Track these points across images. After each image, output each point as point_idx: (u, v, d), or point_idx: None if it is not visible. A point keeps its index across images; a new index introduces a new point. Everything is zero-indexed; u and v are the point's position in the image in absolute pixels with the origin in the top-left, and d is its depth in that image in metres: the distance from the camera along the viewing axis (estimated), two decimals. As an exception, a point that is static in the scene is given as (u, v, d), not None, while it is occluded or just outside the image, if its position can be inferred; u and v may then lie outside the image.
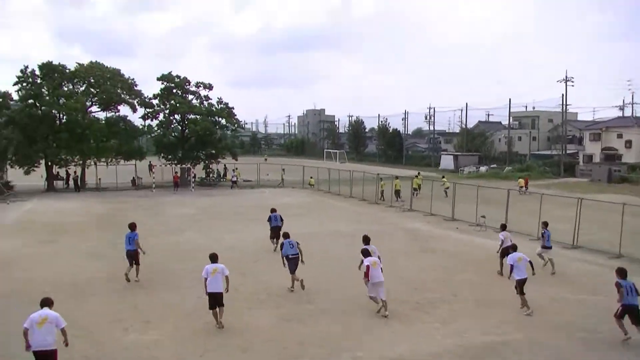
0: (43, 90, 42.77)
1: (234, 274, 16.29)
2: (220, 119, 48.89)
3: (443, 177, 42.24)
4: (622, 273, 11.58)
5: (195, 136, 46.93)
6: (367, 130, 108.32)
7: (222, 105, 49.08)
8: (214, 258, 12.60)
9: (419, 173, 44.57)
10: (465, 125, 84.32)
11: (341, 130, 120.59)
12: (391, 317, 12.73)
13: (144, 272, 16.16)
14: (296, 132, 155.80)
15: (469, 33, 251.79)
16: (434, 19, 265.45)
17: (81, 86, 45.35)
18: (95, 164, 45.14)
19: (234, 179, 47.89)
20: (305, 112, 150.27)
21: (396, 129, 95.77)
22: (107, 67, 46.46)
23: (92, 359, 10.49)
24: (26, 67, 42.71)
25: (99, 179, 44.25)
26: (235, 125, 50.92)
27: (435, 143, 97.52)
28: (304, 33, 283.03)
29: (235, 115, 49.76)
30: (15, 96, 42.69)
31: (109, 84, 44.76)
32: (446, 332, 11.87)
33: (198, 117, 47.08)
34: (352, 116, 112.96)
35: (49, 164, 43.30)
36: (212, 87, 49.19)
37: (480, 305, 13.68)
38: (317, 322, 12.51)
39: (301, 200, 36.93)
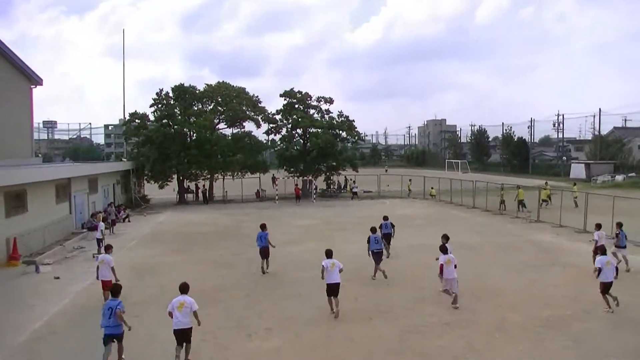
0: (175, 110, 46.08)
1: (354, 284, 16.33)
2: (340, 131, 49.42)
3: (574, 184, 39.54)
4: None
5: (317, 149, 47.79)
6: (490, 139, 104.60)
7: (342, 119, 49.66)
8: (329, 254, 13.95)
9: (546, 183, 42.16)
10: (599, 131, 78.71)
11: (463, 139, 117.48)
12: (520, 333, 12.00)
13: (267, 281, 16.70)
14: (417, 142, 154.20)
15: (598, 33, 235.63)
16: (558, 23, 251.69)
17: (209, 105, 48.03)
18: (222, 177, 47.42)
19: (355, 189, 48.14)
20: (425, 123, 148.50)
21: (521, 137, 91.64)
22: (233, 86, 49.01)
23: (218, 363, 10.85)
24: (161, 90, 46.48)
25: (226, 191, 46.54)
26: (356, 137, 51.22)
27: (565, 151, 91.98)
28: (424, 43, 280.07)
29: (356, 127, 50.13)
30: (151, 117, 46.43)
31: (234, 102, 47.11)
32: (580, 353, 10.95)
33: (319, 130, 47.88)
34: (474, 125, 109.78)
35: (181, 178, 46.35)
36: (333, 101, 50.07)
37: (616, 327, 12.48)
38: (439, 335, 12.08)
39: (422, 211, 36.26)
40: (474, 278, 17.13)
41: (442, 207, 38.76)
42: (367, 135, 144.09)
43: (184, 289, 10.88)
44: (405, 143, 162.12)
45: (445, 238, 15.85)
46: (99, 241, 22.15)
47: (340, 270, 13.62)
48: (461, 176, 63.37)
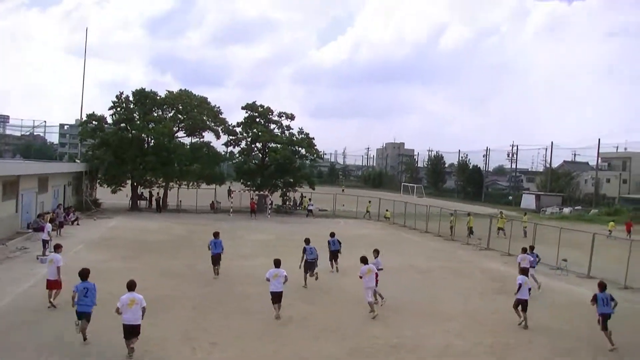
0: (135, 115, 45.37)
1: (304, 302, 16.33)
2: (300, 148, 49.54)
3: (525, 214, 40.62)
4: (601, 286, 13.70)
5: (275, 164, 47.76)
6: (446, 165, 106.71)
7: (302, 135, 49.85)
8: (277, 263, 15.25)
9: (501, 212, 43.22)
10: (550, 164, 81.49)
11: (420, 164, 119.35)
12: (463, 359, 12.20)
13: (217, 295, 16.59)
14: (374, 164, 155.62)
15: (554, 70, 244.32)
16: (518, 55, 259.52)
17: (170, 112, 47.45)
18: (177, 186, 46.91)
19: (311, 207, 48.19)
20: (384, 145, 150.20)
21: (477, 166, 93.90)
22: (195, 95, 48.54)
23: (160, 376, 10.65)
24: (121, 93, 45.80)
25: (180, 200, 46.02)
26: (315, 155, 51.36)
27: (517, 181, 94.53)
28: (389, 65, 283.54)
29: (315, 145, 50.35)
30: (109, 120, 45.60)
31: (195, 111, 46.72)
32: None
33: (279, 146, 47.90)
34: (431, 151, 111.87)
35: (135, 184, 45.62)
36: (294, 117, 50.27)
37: (557, 354, 12.84)
38: (385, 358, 12.15)
39: (377, 233, 36.60)
40: (424, 301, 17.39)
41: (396, 230, 39.19)
42: (326, 154, 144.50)
43: (131, 286, 11.52)
44: (364, 164, 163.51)
45: (377, 252, 18.06)
46: (45, 242, 21.66)
47: (285, 280, 14.79)
48: (416, 200, 64.26)
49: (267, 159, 48.58)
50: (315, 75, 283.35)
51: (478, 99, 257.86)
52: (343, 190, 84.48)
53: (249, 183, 49.09)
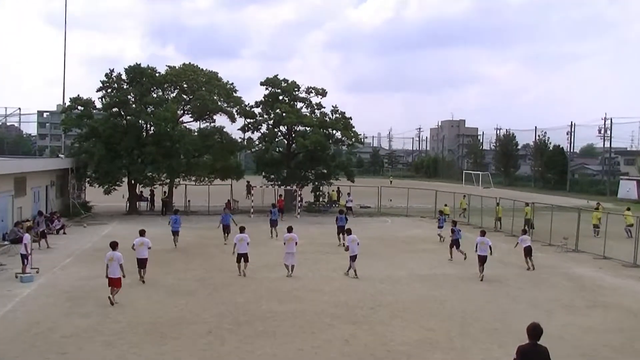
0: (129, 97, 45.69)
1: (344, 321, 16.30)
2: (334, 131, 49.52)
3: (628, 209, 39.61)
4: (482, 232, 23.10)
5: (304, 152, 47.71)
6: (519, 147, 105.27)
7: (337, 115, 49.81)
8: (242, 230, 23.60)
9: (598, 204, 42.60)
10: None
11: (486, 146, 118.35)
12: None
13: (235, 315, 16.73)
14: (428, 148, 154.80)
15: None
16: (611, 4, 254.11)
17: (172, 92, 47.95)
18: (185, 182, 47.33)
19: (349, 204, 48.11)
20: (440, 124, 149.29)
21: (558, 146, 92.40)
22: (202, 69, 48.79)
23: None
24: (111, 71, 46.01)
25: (189, 200, 46.30)
26: (353, 139, 51.06)
27: (612, 164, 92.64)
28: (444, 25, 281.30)
29: (353, 127, 50.28)
30: (98, 104, 46.02)
31: (204, 89, 46.80)
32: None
33: (308, 129, 47.95)
34: (500, 129, 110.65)
35: (133, 182, 45.99)
36: (326, 93, 50.20)
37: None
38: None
39: (432, 234, 36.27)
40: (494, 317, 17.16)
41: (457, 229, 38.79)
42: (366, 137, 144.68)
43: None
44: (414, 148, 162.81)
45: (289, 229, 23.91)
46: (24, 257, 21.58)
47: (248, 244, 22.81)
48: (482, 192, 63.61)
49: (294, 145, 48.58)
50: (352, 40, 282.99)
51: (558, 63, 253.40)
52: (391, 181, 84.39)
53: (272, 176, 49.25)
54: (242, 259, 22.74)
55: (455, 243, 27.57)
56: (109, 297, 17.78)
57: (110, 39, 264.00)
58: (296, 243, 23.16)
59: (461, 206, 45.97)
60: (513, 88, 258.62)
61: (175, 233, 30.00)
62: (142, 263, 21.47)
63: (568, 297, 20.42)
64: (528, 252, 25.38)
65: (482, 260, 23.02)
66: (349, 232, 24.06)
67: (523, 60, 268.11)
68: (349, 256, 22.73)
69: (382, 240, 33.19)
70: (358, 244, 23.07)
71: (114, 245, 18.85)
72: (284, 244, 23.23)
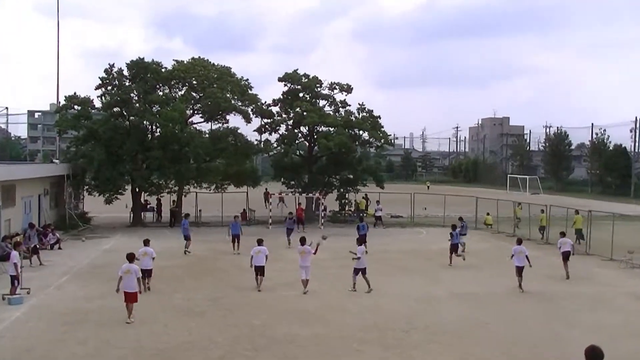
0: (132, 95, 45.84)
1: (375, 346, 16.10)
2: (361, 132, 49.44)
3: None
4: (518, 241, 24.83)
5: (328, 155, 47.61)
6: (572, 147, 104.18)
7: (364, 114, 49.70)
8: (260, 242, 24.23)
9: None
10: None
11: (533, 147, 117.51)
12: None
13: (250, 339, 16.64)
14: (467, 149, 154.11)
15: None
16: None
17: (180, 89, 48.13)
18: (195, 190, 47.30)
19: (379, 213, 47.83)
20: (480, 122, 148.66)
21: (620, 145, 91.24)
22: (213, 64, 48.84)
23: None
24: (111, 66, 46.12)
25: (200, 210, 46.33)
26: (382, 140, 51.02)
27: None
28: (486, 9, 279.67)
29: (382, 127, 50.20)
30: (98, 103, 46.00)
31: (215, 86, 46.86)
32: None
33: (332, 129, 47.84)
34: (550, 127, 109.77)
35: (137, 190, 46.16)
36: (352, 89, 50.19)
37: None
38: None
39: (473, 247, 35.97)
40: (546, 343, 16.85)
41: (501, 242, 38.39)
42: (397, 138, 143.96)
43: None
44: (451, 150, 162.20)
45: (302, 240, 24.44)
46: (14, 279, 21.13)
47: (266, 257, 23.79)
48: (530, 198, 63.06)
49: (316, 148, 48.50)
50: (381, 29, 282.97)
51: (620, 50, 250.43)
52: (428, 187, 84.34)
53: (292, 182, 49.23)
54: (259, 272, 23.49)
55: (454, 247, 29.68)
56: (128, 321, 18.19)
57: (110, 30, 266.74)
58: (315, 252, 24.01)
59: (516, 216, 44.92)
60: (566, 80, 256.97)
61: (187, 238, 32.80)
62: (145, 274, 22.18)
63: (634, 321, 19.98)
64: (566, 256, 26.73)
65: (520, 271, 23.90)
66: (360, 241, 25.72)
67: (579, 48, 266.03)
68: (354, 268, 23.39)
69: (416, 254, 33.06)
70: (315, 252, 24.19)
71: (130, 258, 19.25)
72: (300, 255, 23.69)
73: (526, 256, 23.96)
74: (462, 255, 29.92)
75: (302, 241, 24.20)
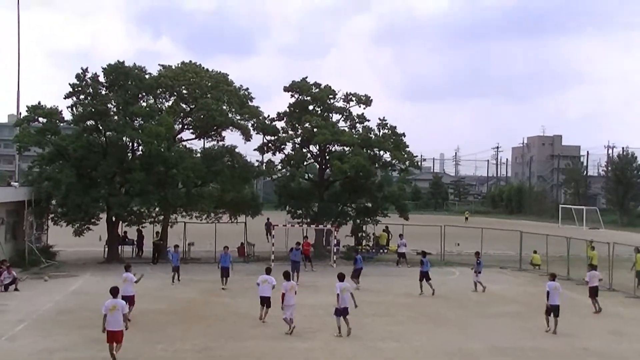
0: (110, 106, 45.71)
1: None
2: (382, 152, 49.73)
3: None
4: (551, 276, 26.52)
5: (342, 180, 47.71)
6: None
7: (385, 131, 49.90)
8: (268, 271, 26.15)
9: None
10: None
11: (592, 171, 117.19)
12: None
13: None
14: (509, 174, 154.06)
15: None
16: None
17: (167, 100, 48.30)
18: (184, 220, 47.45)
19: (402, 249, 47.68)
20: (526, 141, 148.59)
21: None
22: (207, 70, 49.10)
23: None
24: (85, 71, 45.72)
25: (189, 243, 46.32)
26: (407, 162, 51.05)
27: None
28: (531, 8, 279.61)
29: (408, 146, 50.32)
30: (67, 115, 45.77)
31: (209, 96, 46.99)
32: None
33: (347, 149, 48.01)
34: (613, 147, 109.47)
35: (113, 219, 46.03)
36: (371, 101, 50.58)
37: None
38: None
39: (518, 291, 35.98)
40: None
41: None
42: (425, 160, 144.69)
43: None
44: (490, 174, 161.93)
45: (286, 275, 25.96)
46: None
47: (273, 287, 25.45)
48: (588, 233, 62.86)
49: (328, 171, 48.63)
50: (408, 29, 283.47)
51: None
52: (466, 218, 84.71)
53: (299, 212, 49.33)
54: (265, 304, 25.81)
55: (424, 275, 33.98)
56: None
57: (83, 27, 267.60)
58: (295, 292, 25.10)
59: (592, 260, 39.81)
60: (631, 91, 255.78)
61: (175, 269, 36.28)
62: (127, 301, 23.58)
63: None
64: (594, 292, 29.87)
65: (554, 311, 25.32)
66: (340, 278, 25.05)
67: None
68: (335, 309, 24.32)
69: (448, 300, 33.02)
70: (351, 294, 24.92)
71: (114, 292, 20.35)
72: (282, 295, 24.47)
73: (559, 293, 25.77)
74: (432, 288, 33.72)
75: (287, 276, 25.66)
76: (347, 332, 23.87)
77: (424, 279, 33.75)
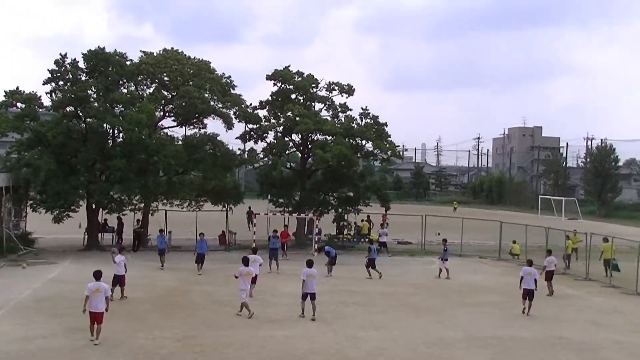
0: (90, 92, 45.24)
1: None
2: (364, 141, 49.70)
3: None
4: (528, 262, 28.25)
5: (324, 169, 47.64)
6: (620, 163, 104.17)
7: (368, 120, 49.93)
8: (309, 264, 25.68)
9: None
10: None
11: (571, 163, 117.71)
12: None
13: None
14: (490, 164, 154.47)
15: None
16: None
17: (148, 87, 48.23)
18: (165, 207, 47.38)
19: (383, 238, 47.65)
20: (506, 132, 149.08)
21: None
22: (189, 57, 48.99)
23: None
24: (64, 57, 45.16)
25: (169, 232, 46.16)
26: (389, 152, 51.07)
27: None
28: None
29: (390, 136, 50.46)
30: (46, 101, 45.34)
31: (191, 84, 46.77)
32: None
33: (329, 138, 47.99)
34: (592, 139, 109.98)
35: (93, 206, 45.69)
36: (354, 90, 50.51)
37: None
38: None
39: (497, 280, 36.06)
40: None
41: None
42: (407, 150, 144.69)
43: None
44: (471, 165, 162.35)
45: (244, 261, 27.07)
46: None
47: (260, 265, 28.58)
48: (567, 224, 63.08)
49: (310, 160, 48.53)
50: (394, 19, 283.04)
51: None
52: (455, 208, 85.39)
53: (281, 200, 49.28)
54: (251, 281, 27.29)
55: (370, 263, 35.74)
56: (91, 340, 19.91)
57: (64, 12, 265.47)
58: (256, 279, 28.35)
59: (572, 245, 42.67)
60: (613, 83, 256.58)
61: (161, 252, 37.88)
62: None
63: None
64: (550, 276, 31.94)
65: (529, 295, 26.79)
66: (308, 264, 26.13)
67: (630, 44, 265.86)
68: (302, 293, 25.42)
69: (428, 289, 33.09)
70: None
71: (98, 275, 21.08)
72: (235, 277, 26.10)
73: (535, 280, 27.01)
74: (379, 272, 35.40)
75: (245, 261, 26.98)
76: (312, 315, 24.84)
77: (371, 266, 35.56)
